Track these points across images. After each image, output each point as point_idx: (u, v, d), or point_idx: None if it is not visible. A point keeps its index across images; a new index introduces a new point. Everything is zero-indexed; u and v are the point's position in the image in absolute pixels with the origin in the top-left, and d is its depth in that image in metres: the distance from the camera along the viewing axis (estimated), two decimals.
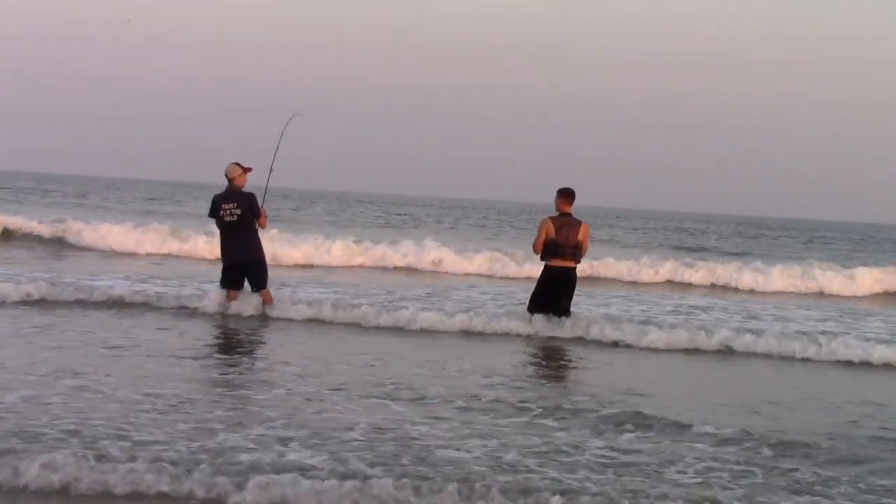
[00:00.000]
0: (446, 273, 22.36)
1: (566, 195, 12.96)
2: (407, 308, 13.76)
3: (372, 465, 6.27)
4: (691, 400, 9.44)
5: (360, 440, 6.94)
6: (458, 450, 6.83)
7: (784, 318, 15.94)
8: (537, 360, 11.71)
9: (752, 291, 22.85)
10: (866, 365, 12.41)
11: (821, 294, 23.00)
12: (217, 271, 14.11)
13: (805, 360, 12.48)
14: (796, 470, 6.90)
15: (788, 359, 12.53)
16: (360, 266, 22.83)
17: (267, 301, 13.50)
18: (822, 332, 13.79)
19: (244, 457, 6.29)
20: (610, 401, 8.82)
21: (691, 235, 58.39)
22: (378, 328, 12.99)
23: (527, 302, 13.47)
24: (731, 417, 8.48)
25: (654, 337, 12.94)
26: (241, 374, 9.45)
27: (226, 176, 13.34)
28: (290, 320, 13.17)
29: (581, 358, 11.73)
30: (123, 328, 11.59)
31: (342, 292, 15.72)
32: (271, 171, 13.96)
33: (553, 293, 13.06)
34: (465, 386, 9.23)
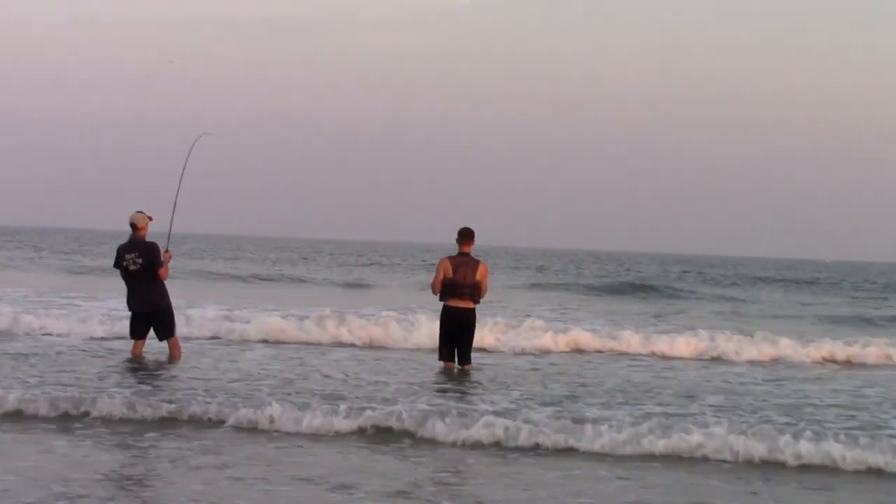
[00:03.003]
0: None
1: (465, 235, 12.94)
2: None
3: None
4: None
5: None
6: None
7: None
8: None
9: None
10: None
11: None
12: None
13: None
14: None
15: None
16: None
17: (174, 352, 13.36)
18: None
19: None
20: None
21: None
22: None
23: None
24: None
25: None
26: None
27: (130, 224, 13.23)
28: None
29: None
30: None
31: None
32: (175, 205, 13.69)
33: (454, 335, 12.96)
34: None
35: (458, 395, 11.20)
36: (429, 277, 13.64)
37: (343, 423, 9.40)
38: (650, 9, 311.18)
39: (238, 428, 9.38)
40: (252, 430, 9.34)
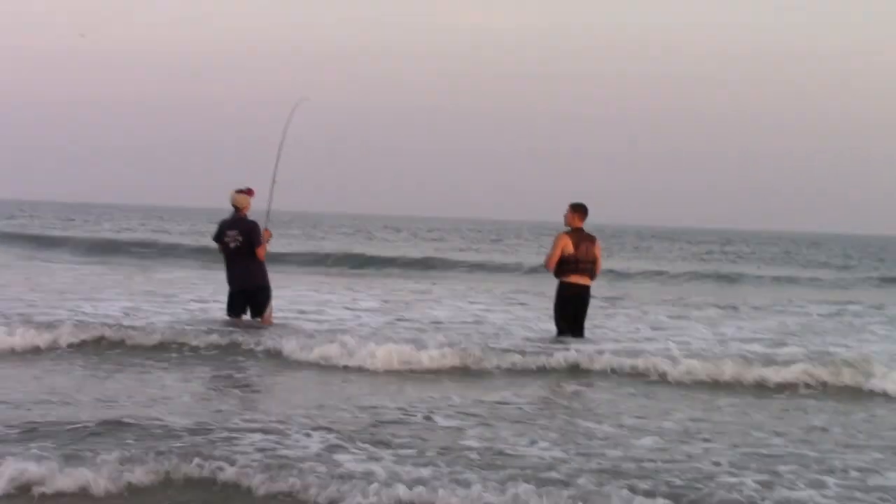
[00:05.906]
0: None
1: (580, 210, 12.73)
2: None
3: None
4: None
5: None
6: None
7: None
8: None
9: None
10: None
11: None
12: None
13: None
14: None
15: None
16: None
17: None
18: None
19: None
20: None
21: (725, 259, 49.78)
22: None
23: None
24: None
25: None
26: None
27: (232, 206, 13.25)
28: None
29: None
30: None
31: None
32: (274, 182, 13.41)
33: (572, 311, 12.77)
34: None
35: None
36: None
37: None
38: None
39: None
40: None
